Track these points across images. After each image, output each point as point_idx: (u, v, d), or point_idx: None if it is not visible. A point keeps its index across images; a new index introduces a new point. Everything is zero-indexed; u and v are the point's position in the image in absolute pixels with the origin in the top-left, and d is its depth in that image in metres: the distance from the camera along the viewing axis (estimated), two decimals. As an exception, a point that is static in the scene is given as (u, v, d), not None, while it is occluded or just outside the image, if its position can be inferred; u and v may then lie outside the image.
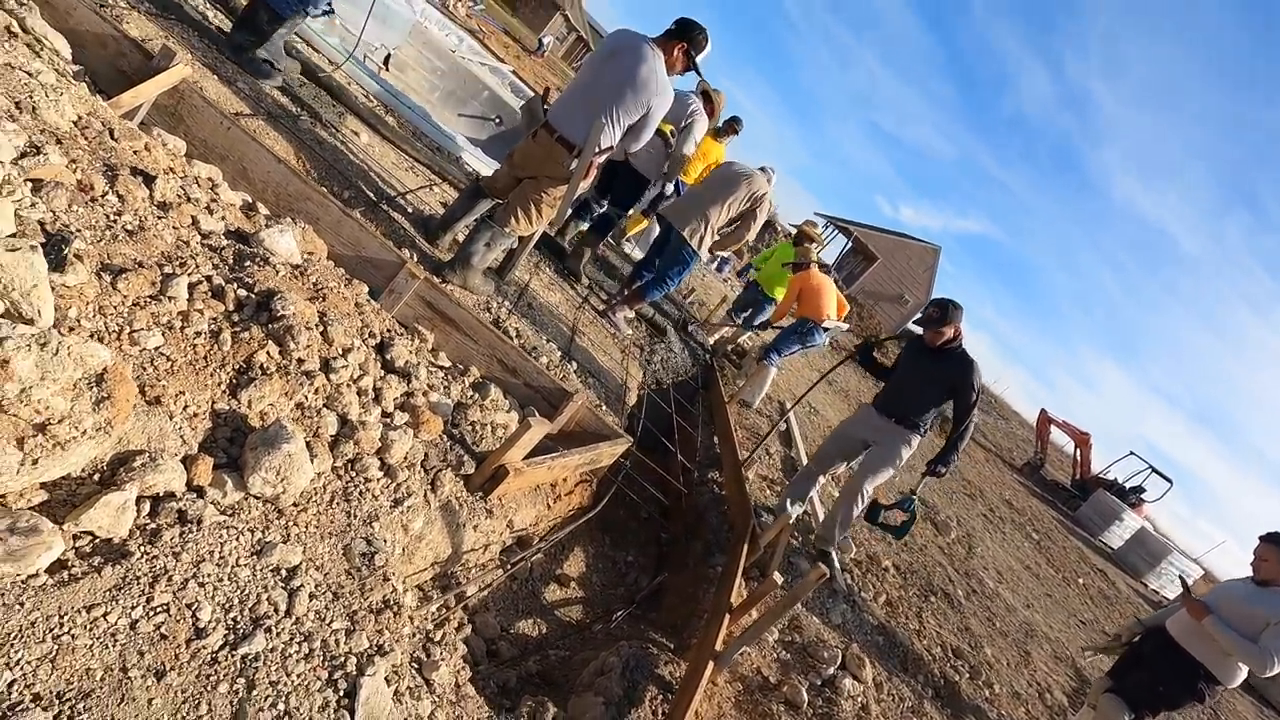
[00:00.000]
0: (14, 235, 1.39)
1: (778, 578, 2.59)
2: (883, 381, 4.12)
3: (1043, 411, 20.22)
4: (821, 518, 4.15)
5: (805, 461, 5.22)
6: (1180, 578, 3.72)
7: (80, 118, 1.97)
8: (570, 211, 5.22)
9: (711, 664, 2.30)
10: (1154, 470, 19.10)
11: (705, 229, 4.80)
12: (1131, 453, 19.69)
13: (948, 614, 4.57)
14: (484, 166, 5.18)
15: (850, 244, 28.84)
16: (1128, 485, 18.72)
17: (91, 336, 1.40)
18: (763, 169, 5.18)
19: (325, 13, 5.05)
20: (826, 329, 6.00)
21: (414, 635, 1.72)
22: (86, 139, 1.91)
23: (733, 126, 6.45)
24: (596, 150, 3.16)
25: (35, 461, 1.11)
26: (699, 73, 3.46)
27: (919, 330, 3.80)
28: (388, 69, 6.20)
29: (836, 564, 3.88)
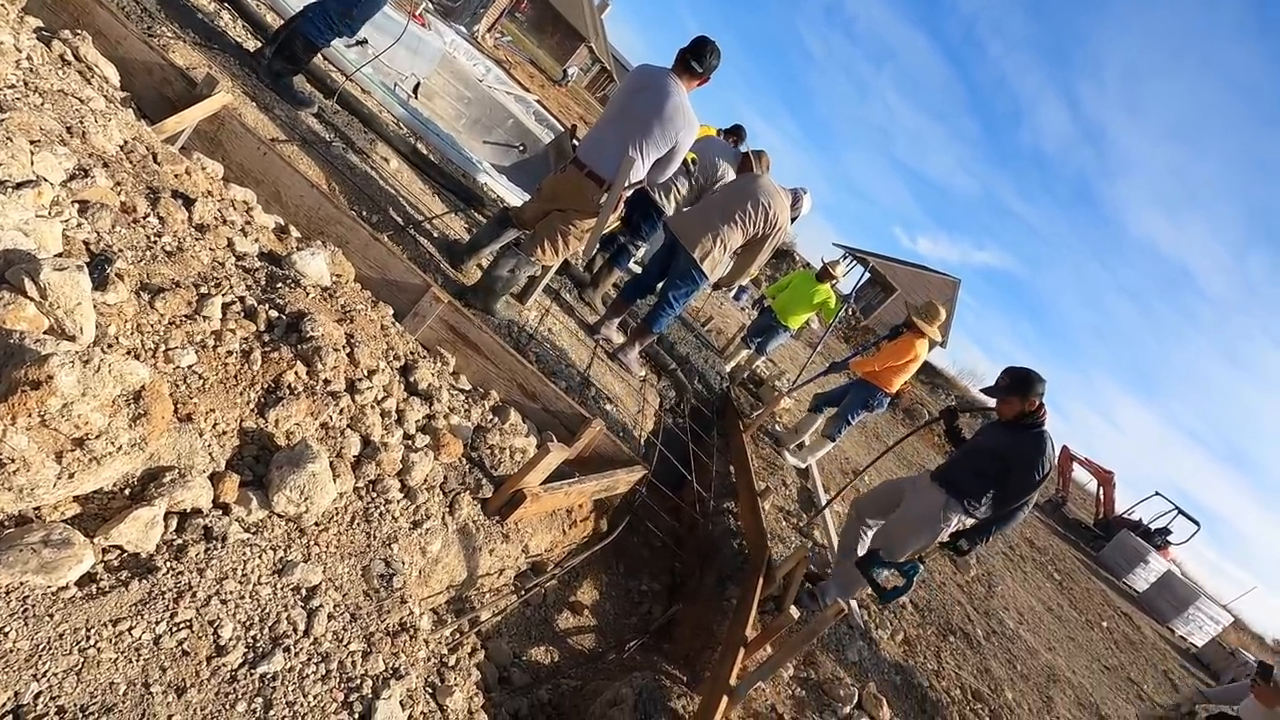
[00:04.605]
0: (61, 255, 1.44)
1: (794, 612, 2.56)
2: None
3: (1064, 448, 19.88)
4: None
5: (822, 494, 5.17)
6: (1259, 663, 3.50)
7: (126, 142, 2.04)
8: (599, 246, 5.14)
9: (725, 698, 2.26)
10: (1180, 512, 18.65)
11: (717, 248, 4.19)
12: (1157, 493, 19.29)
13: (967, 654, 4.46)
14: (507, 193, 5.27)
15: (868, 275, 28.81)
16: (1153, 527, 18.30)
17: (129, 354, 1.44)
18: (794, 190, 4.69)
19: (359, 43, 5.21)
20: (889, 397, 5.58)
21: (429, 659, 1.72)
22: (131, 163, 1.98)
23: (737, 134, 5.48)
24: (626, 184, 3.21)
25: (72, 475, 1.14)
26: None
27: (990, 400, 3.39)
28: (417, 97, 6.37)
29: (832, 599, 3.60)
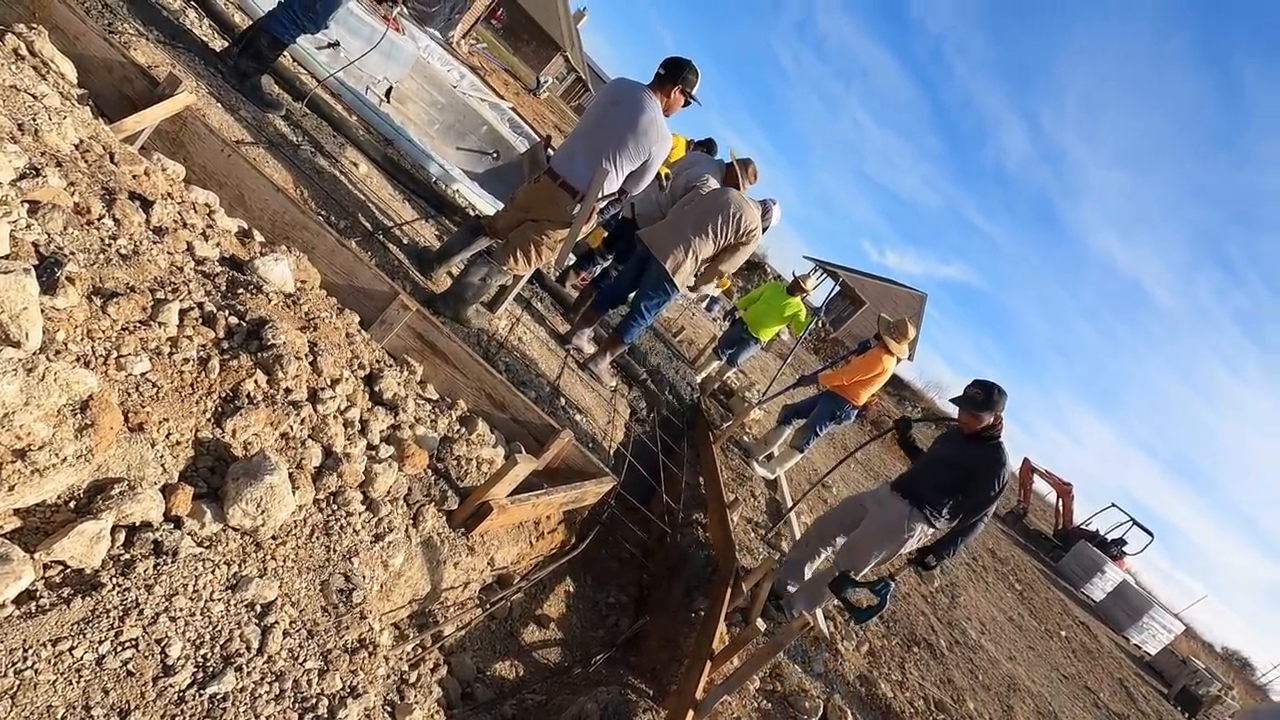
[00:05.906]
0: (8, 257, 1.39)
1: (760, 625, 2.56)
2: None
3: (1026, 460, 20.35)
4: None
5: (790, 507, 5.20)
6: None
7: (82, 141, 1.98)
8: (573, 260, 5.14)
9: (692, 712, 2.25)
10: (1135, 523, 19.20)
11: (689, 259, 4.20)
12: (1113, 504, 19.83)
13: (930, 665, 4.51)
14: (479, 200, 5.23)
15: (838, 288, 29.24)
16: (1109, 537, 18.80)
17: (78, 360, 1.39)
18: (764, 202, 4.80)
19: (330, 45, 5.14)
20: (856, 410, 5.66)
21: (389, 676, 1.68)
22: (87, 162, 1.92)
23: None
24: (599, 196, 3.23)
25: (11, 488, 1.09)
26: (698, 102, 3.49)
27: (956, 412, 3.42)
28: (389, 101, 6.30)
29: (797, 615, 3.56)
